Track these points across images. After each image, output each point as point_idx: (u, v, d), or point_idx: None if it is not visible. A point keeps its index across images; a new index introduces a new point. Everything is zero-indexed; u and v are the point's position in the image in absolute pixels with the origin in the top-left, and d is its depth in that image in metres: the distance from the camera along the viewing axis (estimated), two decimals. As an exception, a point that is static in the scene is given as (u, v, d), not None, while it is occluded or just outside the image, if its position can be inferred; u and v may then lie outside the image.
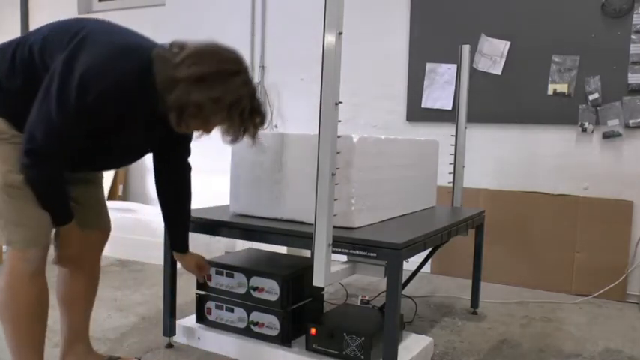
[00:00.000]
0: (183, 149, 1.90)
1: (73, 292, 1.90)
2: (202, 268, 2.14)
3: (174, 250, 2.06)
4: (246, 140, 1.61)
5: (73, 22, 1.60)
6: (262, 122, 1.62)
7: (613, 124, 3.16)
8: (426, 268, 3.37)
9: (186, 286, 2.84)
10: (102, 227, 1.93)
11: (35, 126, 1.47)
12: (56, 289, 1.89)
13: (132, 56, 1.51)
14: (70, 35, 1.52)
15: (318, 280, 1.71)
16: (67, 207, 1.64)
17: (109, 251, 3.60)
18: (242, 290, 2.13)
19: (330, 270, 1.75)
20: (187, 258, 2.08)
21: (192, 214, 2.18)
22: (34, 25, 5.43)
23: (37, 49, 1.55)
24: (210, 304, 2.22)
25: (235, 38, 4.28)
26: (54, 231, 1.67)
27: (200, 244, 3.51)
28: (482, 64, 3.45)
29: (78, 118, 1.48)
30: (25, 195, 1.55)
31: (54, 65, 1.49)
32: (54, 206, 1.60)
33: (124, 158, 1.83)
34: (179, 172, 1.93)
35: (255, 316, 2.11)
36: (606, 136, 3.19)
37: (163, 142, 1.80)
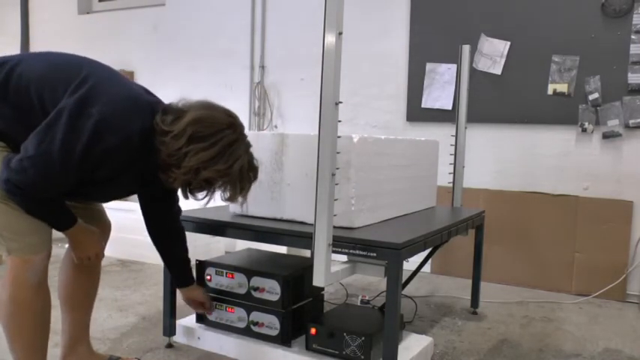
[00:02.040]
0: (174, 195, 1.91)
1: (74, 294, 1.89)
2: (203, 304, 2.15)
3: (178, 287, 2.08)
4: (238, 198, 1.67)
5: (74, 63, 1.58)
6: (255, 177, 1.69)
7: (613, 124, 3.16)
8: (426, 268, 3.37)
9: (187, 286, 2.84)
10: (101, 224, 1.91)
11: (30, 160, 1.44)
12: (57, 291, 1.88)
13: (141, 114, 1.54)
14: (75, 78, 1.51)
15: (318, 280, 1.71)
16: (62, 212, 1.62)
17: (109, 251, 3.61)
18: (243, 290, 2.13)
19: (330, 270, 1.74)
20: (193, 292, 2.10)
21: (193, 214, 2.18)
22: (34, 25, 5.43)
23: (34, 89, 1.52)
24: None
25: (235, 38, 4.29)
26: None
27: (200, 244, 3.53)
28: (482, 64, 3.45)
29: (79, 165, 1.47)
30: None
31: (63, 103, 1.47)
32: (48, 218, 1.59)
33: (108, 197, 1.82)
34: (170, 217, 1.93)
35: (255, 316, 2.11)
36: (606, 136, 3.19)
37: (154, 190, 1.81)
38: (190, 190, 1.59)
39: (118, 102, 1.51)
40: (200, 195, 1.62)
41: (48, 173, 1.46)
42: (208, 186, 1.58)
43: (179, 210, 1.94)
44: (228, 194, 1.63)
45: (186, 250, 1.99)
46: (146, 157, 1.56)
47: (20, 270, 1.57)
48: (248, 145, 1.64)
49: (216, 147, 1.52)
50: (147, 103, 1.58)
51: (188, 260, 2.02)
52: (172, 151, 1.51)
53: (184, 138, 1.49)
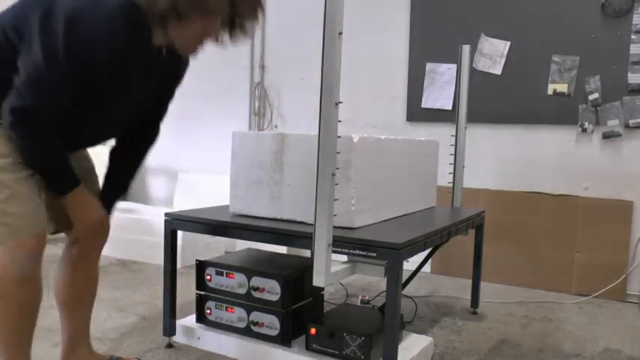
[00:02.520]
0: (164, 109, 1.85)
1: (72, 294, 1.85)
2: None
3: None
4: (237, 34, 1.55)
5: None
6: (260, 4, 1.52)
7: (613, 124, 3.16)
8: (426, 268, 3.38)
9: (186, 286, 2.84)
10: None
11: (23, 82, 1.39)
12: (55, 292, 1.85)
13: None
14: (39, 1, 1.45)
15: (318, 280, 1.71)
16: (68, 169, 1.52)
17: (109, 251, 3.62)
18: (243, 290, 2.13)
19: (330, 270, 1.74)
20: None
21: (193, 214, 2.18)
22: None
23: (9, 26, 1.46)
24: (210, 304, 2.22)
25: (235, 38, 4.28)
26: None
27: (200, 244, 3.53)
28: (482, 64, 3.45)
29: (70, 65, 1.40)
30: (4, 185, 1.47)
31: (31, 19, 1.41)
32: (51, 168, 1.50)
33: (117, 121, 1.70)
34: (149, 139, 1.86)
35: (255, 316, 2.11)
36: (606, 136, 3.19)
37: (153, 99, 1.74)
38: (182, 18, 1.43)
39: None
40: (194, 27, 1.47)
41: (43, 87, 1.39)
42: (199, 4, 1.43)
43: (158, 131, 1.88)
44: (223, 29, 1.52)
45: (127, 178, 1.86)
46: (140, 37, 1.46)
47: (7, 263, 1.51)
48: None
49: None
50: None
51: (126, 185, 1.87)
52: None
53: None
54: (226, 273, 2.17)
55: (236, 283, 2.14)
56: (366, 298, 2.64)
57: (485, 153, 3.49)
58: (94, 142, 1.76)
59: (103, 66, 1.46)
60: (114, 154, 1.83)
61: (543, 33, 3.28)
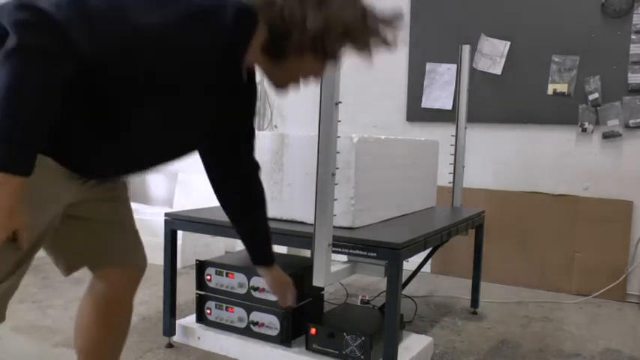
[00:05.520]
0: (249, 144, 1.50)
1: (97, 341, 1.46)
2: (288, 291, 1.72)
3: (256, 265, 1.66)
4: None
5: None
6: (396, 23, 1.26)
7: (613, 124, 3.16)
8: (426, 268, 3.37)
9: (186, 286, 2.84)
10: (133, 262, 1.48)
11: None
12: (74, 338, 1.48)
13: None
14: None
15: (318, 280, 1.71)
16: (39, 133, 0.97)
17: (109, 251, 3.60)
18: (243, 290, 2.13)
19: (330, 270, 1.75)
20: (274, 273, 1.67)
21: (194, 214, 2.18)
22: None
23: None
24: (210, 304, 2.22)
25: (235, 38, 4.28)
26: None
27: (200, 244, 3.53)
28: (482, 64, 3.45)
29: (131, 35, 1.02)
30: None
31: None
32: (19, 123, 0.93)
33: (158, 151, 1.29)
34: (246, 174, 1.52)
35: (255, 316, 2.11)
36: (606, 136, 3.19)
37: (226, 133, 1.43)
38: (326, 50, 1.20)
39: None
40: (339, 52, 1.24)
41: (84, 16, 0.98)
42: (347, 39, 1.20)
43: (256, 165, 1.53)
44: (372, 42, 1.23)
45: (265, 220, 1.59)
46: (231, 62, 1.20)
47: None
48: None
49: None
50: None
51: (267, 233, 1.60)
52: (286, 20, 1.15)
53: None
54: (226, 273, 2.17)
55: (236, 283, 2.14)
56: (366, 298, 2.64)
57: (485, 153, 3.49)
58: (122, 169, 1.33)
59: (168, 75, 1.11)
60: (241, 215, 1.58)
61: (543, 33, 3.28)
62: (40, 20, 0.92)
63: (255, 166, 1.53)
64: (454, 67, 3.45)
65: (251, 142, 1.50)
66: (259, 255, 1.64)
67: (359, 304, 2.58)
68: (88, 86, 1.06)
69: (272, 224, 2.01)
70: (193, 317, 2.29)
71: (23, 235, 1.03)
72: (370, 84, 3.79)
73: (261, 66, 1.26)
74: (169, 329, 2.23)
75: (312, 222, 1.72)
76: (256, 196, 1.55)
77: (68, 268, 1.40)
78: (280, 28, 1.16)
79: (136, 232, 1.51)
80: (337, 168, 1.71)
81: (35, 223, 1.13)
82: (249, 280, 2.11)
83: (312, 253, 1.73)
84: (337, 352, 1.96)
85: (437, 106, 3.60)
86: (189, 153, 1.39)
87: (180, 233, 2.29)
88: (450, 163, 2.85)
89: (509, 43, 3.38)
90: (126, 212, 1.48)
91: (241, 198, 1.53)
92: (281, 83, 1.31)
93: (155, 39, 1.04)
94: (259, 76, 1.42)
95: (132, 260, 1.47)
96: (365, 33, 1.21)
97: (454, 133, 2.84)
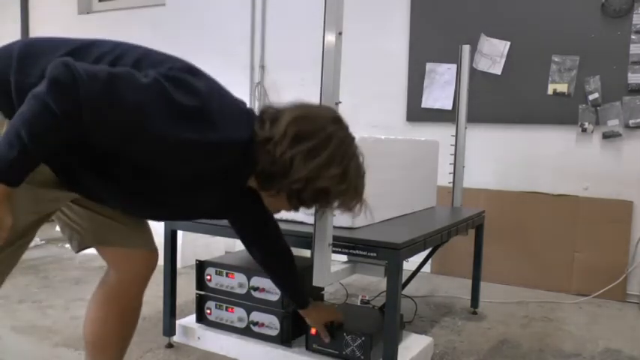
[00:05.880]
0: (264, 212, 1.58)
1: (104, 333, 1.53)
2: (327, 320, 1.93)
3: (298, 308, 1.90)
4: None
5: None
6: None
7: (613, 124, 3.16)
8: (426, 268, 3.37)
9: (186, 286, 2.84)
10: (143, 245, 1.53)
11: (108, 73, 1.08)
12: (83, 328, 1.55)
13: (244, 123, 1.26)
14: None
15: (318, 280, 1.71)
16: (33, 159, 1.08)
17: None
18: (243, 290, 2.13)
19: (329, 270, 1.75)
20: (312, 312, 1.90)
21: (193, 214, 2.18)
22: (33, 25, 5.43)
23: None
24: (210, 304, 2.22)
25: (235, 38, 4.29)
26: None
27: (200, 244, 3.53)
28: (482, 64, 3.45)
29: (151, 127, 1.10)
30: None
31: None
32: (25, 150, 1.04)
33: (172, 210, 1.44)
34: (270, 237, 1.67)
35: (255, 316, 2.11)
36: (606, 136, 3.19)
37: (238, 215, 1.61)
38: (301, 201, 1.30)
39: (227, 96, 1.27)
40: (313, 205, 1.35)
41: (116, 95, 1.07)
42: (324, 196, 1.28)
43: (276, 225, 1.67)
44: (344, 204, 1.34)
45: (294, 271, 1.76)
46: (237, 176, 1.31)
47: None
48: (354, 139, 1.35)
49: (326, 147, 1.23)
50: (246, 112, 1.31)
51: (298, 281, 1.79)
52: (276, 158, 1.21)
53: (287, 140, 1.21)
54: (226, 273, 2.17)
55: (236, 283, 2.14)
56: (366, 298, 2.64)
57: (485, 153, 3.49)
58: (135, 211, 1.47)
59: (179, 172, 1.25)
60: (260, 263, 1.74)
61: (543, 33, 3.28)
62: (68, 86, 1.03)
63: (276, 226, 1.67)
64: (454, 67, 3.45)
65: (266, 215, 1.61)
66: (294, 300, 1.87)
67: (359, 304, 2.58)
68: (94, 148, 1.18)
69: (272, 224, 2.02)
70: (193, 317, 2.29)
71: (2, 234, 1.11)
72: (370, 84, 3.79)
73: (255, 187, 1.34)
74: (169, 329, 2.23)
75: (312, 222, 1.72)
76: (280, 248, 1.71)
77: (79, 245, 1.47)
78: (267, 166, 1.24)
79: (145, 220, 1.56)
80: (337, 168, 1.71)
81: (26, 219, 1.25)
82: (249, 280, 2.11)
83: (312, 253, 1.73)
84: (337, 352, 1.96)
85: (437, 106, 3.60)
86: (189, 219, 1.63)
87: (180, 233, 2.29)
88: (450, 163, 2.85)
89: (509, 43, 3.38)
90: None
91: (269, 251, 1.70)
92: (267, 205, 1.40)
93: (171, 148, 1.15)
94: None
95: (141, 244, 1.52)
96: (339, 195, 1.30)
97: (454, 133, 2.84)
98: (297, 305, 1.88)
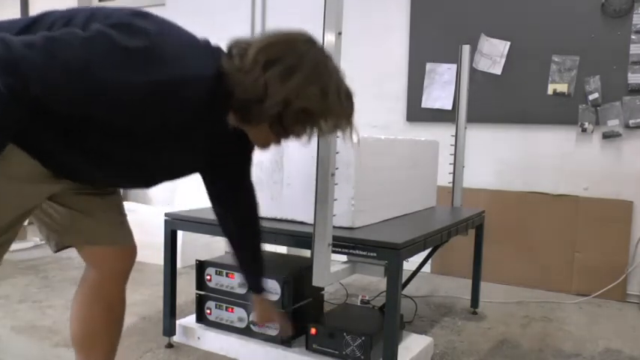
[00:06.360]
0: (245, 169, 1.56)
1: (87, 333, 1.52)
2: (269, 320, 1.82)
3: (251, 291, 1.75)
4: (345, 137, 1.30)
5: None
6: (353, 105, 1.29)
7: (613, 124, 3.16)
8: (426, 268, 3.37)
9: (186, 286, 2.84)
10: (121, 242, 1.53)
11: (44, 39, 1.03)
12: (70, 330, 1.54)
13: (210, 57, 1.19)
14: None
15: (317, 280, 1.71)
16: None
17: (109, 251, 3.60)
18: (243, 290, 2.13)
19: (329, 270, 1.75)
20: (264, 303, 1.77)
21: (194, 214, 2.18)
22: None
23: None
24: (210, 304, 2.22)
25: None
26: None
27: (200, 244, 3.53)
28: (482, 64, 3.45)
29: (107, 86, 1.04)
30: None
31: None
32: None
33: (153, 171, 1.38)
34: (242, 202, 1.60)
35: (255, 316, 2.11)
36: (606, 136, 3.19)
37: (219, 167, 1.49)
38: (285, 127, 1.21)
39: (183, 35, 1.20)
40: (300, 131, 1.25)
41: (58, 57, 1.01)
42: (307, 118, 1.20)
43: (254, 201, 1.62)
44: (333, 124, 1.24)
45: (259, 249, 1.67)
46: (212, 117, 1.24)
47: None
48: (331, 59, 1.28)
49: (300, 66, 1.16)
50: (210, 48, 1.23)
51: (260, 260, 1.68)
52: (248, 87, 1.14)
53: (258, 67, 1.14)
54: (226, 273, 2.17)
55: (236, 283, 2.14)
56: (366, 298, 2.64)
57: (485, 153, 3.49)
58: (121, 183, 1.48)
59: (154, 125, 1.19)
60: (235, 237, 1.63)
61: (543, 33, 3.28)
62: (6, 61, 0.98)
63: (252, 190, 1.62)
64: (454, 67, 3.45)
65: (249, 167, 1.56)
66: (248, 281, 1.73)
67: (359, 304, 2.58)
68: (63, 117, 1.14)
69: (272, 224, 2.02)
70: (193, 317, 2.29)
71: None
72: (370, 84, 3.79)
73: (236, 123, 1.26)
74: (169, 329, 2.23)
75: (312, 222, 1.72)
76: (251, 222, 1.63)
77: (57, 245, 1.46)
78: (241, 95, 1.16)
79: (123, 216, 1.55)
80: (337, 168, 1.71)
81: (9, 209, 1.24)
82: (249, 280, 2.11)
83: (312, 253, 1.73)
84: (337, 352, 1.96)
85: (437, 106, 3.60)
86: (183, 175, 1.45)
87: (180, 233, 2.29)
88: (450, 163, 2.85)
89: (509, 43, 3.38)
90: (113, 196, 1.52)
91: (238, 220, 1.61)
92: (254, 141, 1.33)
93: (134, 94, 1.07)
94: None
95: (119, 240, 1.51)
96: (323, 114, 1.21)
97: (454, 133, 2.84)
98: (251, 288, 1.72)
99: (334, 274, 1.80)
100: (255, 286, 1.72)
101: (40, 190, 1.29)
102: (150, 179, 1.42)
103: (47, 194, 1.33)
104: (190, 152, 1.35)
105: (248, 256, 1.67)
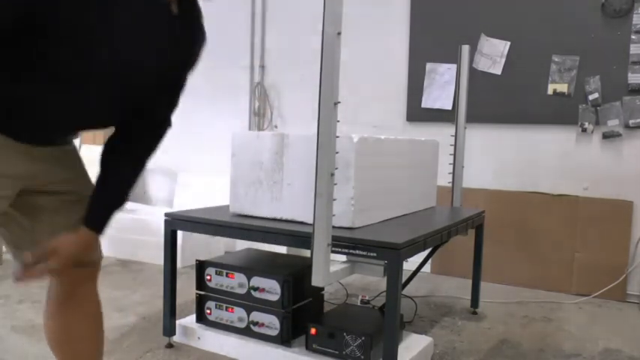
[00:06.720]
0: (172, 96, 1.33)
1: (71, 341, 1.42)
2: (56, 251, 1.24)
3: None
4: None
5: None
6: None
7: (613, 124, 3.16)
8: (426, 268, 3.37)
9: (186, 286, 2.84)
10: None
11: None
12: (49, 346, 1.43)
13: None
14: None
15: (316, 280, 1.71)
16: None
17: (109, 251, 3.62)
18: (243, 290, 2.13)
19: (328, 270, 1.74)
20: (79, 235, 1.28)
21: (193, 214, 2.18)
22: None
23: None
24: (210, 304, 2.22)
25: (235, 38, 4.29)
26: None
27: (200, 244, 3.53)
28: (482, 64, 3.45)
29: None
30: None
31: None
32: None
33: (85, 103, 1.14)
34: (150, 129, 1.33)
35: (255, 316, 2.11)
36: (606, 136, 3.19)
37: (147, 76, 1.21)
38: None
39: None
40: None
41: None
42: None
43: (160, 125, 1.35)
44: None
45: (124, 176, 1.32)
46: None
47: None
48: None
49: None
50: None
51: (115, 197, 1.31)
52: None
53: None
54: (226, 273, 2.17)
55: (236, 283, 2.14)
56: (366, 298, 2.64)
57: (485, 153, 3.49)
58: (53, 130, 1.24)
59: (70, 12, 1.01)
60: (106, 153, 1.32)
61: (543, 33, 3.28)
62: None
63: (163, 125, 1.35)
64: (454, 67, 3.45)
65: (174, 95, 1.34)
66: (97, 211, 1.30)
67: (359, 304, 2.58)
68: None
69: (272, 224, 2.02)
70: (193, 317, 2.29)
71: None
72: (370, 84, 3.79)
73: None
74: (169, 329, 2.23)
75: (312, 222, 1.72)
76: (138, 155, 1.33)
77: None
78: None
79: (77, 214, 1.30)
80: (336, 168, 1.71)
81: None
82: (249, 280, 2.11)
83: (312, 253, 1.73)
84: (337, 352, 1.96)
85: (437, 106, 3.60)
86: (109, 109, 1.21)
87: (180, 233, 2.30)
88: (450, 163, 2.85)
89: (509, 43, 3.38)
90: (66, 196, 1.30)
91: (130, 152, 1.32)
92: None
93: None
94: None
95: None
96: None
97: (454, 133, 2.83)
98: (86, 217, 1.29)
99: (333, 273, 1.80)
100: (91, 215, 1.29)
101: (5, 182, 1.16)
102: (103, 93, 1.15)
103: (16, 189, 1.19)
104: (124, 49, 1.11)
105: (116, 181, 1.32)
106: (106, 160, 1.31)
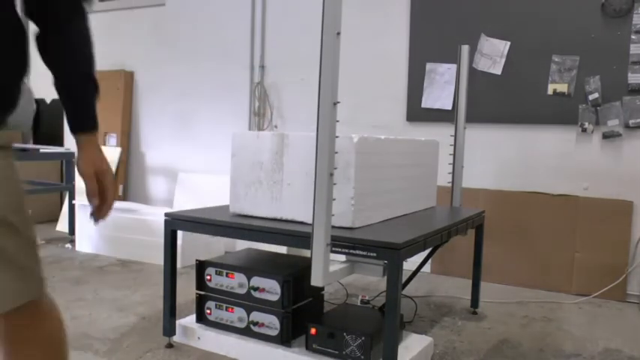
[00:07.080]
0: None
1: None
2: (98, 181, 1.18)
3: (73, 133, 1.16)
4: None
5: None
6: None
7: (613, 124, 3.16)
8: (426, 268, 3.38)
9: (186, 286, 2.84)
10: (10, 304, 1.07)
11: None
12: None
13: None
14: None
15: (316, 280, 1.71)
16: None
17: (108, 251, 3.62)
18: (242, 290, 2.13)
19: (328, 270, 1.75)
20: (82, 148, 1.17)
21: (193, 214, 2.18)
22: (33, 25, 5.43)
23: None
24: (210, 304, 2.22)
25: (235, 38, 4.29)
26: None
27: (200, 244, 3.53)
28: (482, 64, 3.45)
29: None
30: None
31: None
32: None
33: None
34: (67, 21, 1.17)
35: (255, 316, 2.11)
36: (606, 136, 3.19)
37: None
38: None
39: None
40: None
41: None
42: None
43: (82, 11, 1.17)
44: None
45: (81, 68, 1.15)
46: None
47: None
48: None
49: None
50: None
51: (81, 89, 1.15)
52: None
53: None
54: (226, 273, 2.17)
55: (236, 283, 2.14)
56: (366, 298, 2.64)
57: (485, 153, 3.49)
58: None
59: None
60: (43, 55, 1.16)
61: (543, 33, 3.28)
62: None
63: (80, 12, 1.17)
64: (454, 67, 3.45)
65: None
66: (68, 115, 1.15)
67: (359, 304, 2.58)
68: None
69: (272, 224, 2.02)
70: (193, 317, 2.29)
71: None
72: (370, 84, 3.79)
73: None
74: (169, 329, 2.23)
75: (311, 222, 1.72)
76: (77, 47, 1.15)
77: None
78: None
79: (16, 264, 1.08)
80: (335, 168, 1.71)
81: None
82: (249, 280, 2.12)
83: (311, 253, 1.73)
84: (337, 352, 1.96)
85: (437, 106, 3.60)
86: None
87: (180, 233, 2.30)
88: (450, 163, 2.85)
89: (509, 43, 3.38)
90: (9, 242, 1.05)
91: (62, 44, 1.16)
92: None
93: None
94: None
95: (8, 303, 1.07)
96: None
97: (454, 133, 2.84)
98: (69, 126, 1.15)
99: (333, 273, 1.80)
100: (75, 122, 1.15)
101: None
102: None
103: None
104: None
105: (68, 78, 1.15)
106: (48, 62, 1.14)
